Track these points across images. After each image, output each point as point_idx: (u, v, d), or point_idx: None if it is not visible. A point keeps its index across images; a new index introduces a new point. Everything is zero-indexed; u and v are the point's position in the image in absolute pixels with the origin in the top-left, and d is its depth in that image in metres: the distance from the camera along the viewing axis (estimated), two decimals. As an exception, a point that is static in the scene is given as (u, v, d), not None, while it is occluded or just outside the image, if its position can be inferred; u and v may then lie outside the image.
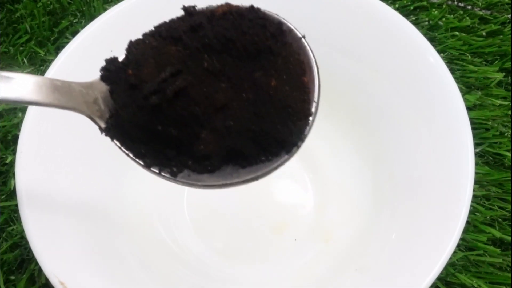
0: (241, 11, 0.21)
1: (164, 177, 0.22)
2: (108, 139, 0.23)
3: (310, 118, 0.22)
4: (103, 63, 0.23)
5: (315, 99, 0.22)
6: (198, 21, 0.20)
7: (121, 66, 0.21)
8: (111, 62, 0.22)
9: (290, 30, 0.22)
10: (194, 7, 0.22)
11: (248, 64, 0.20)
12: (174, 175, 0.21)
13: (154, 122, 0.20)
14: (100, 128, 0.22)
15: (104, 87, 0.22)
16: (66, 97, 0.21)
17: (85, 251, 0.29)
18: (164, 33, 0.21)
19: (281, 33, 0.21)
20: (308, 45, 0.23)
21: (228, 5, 0.21)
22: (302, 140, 0.21)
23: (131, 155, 0.22)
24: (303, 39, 0.23)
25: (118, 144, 0.22)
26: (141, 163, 0.22)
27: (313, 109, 0.22)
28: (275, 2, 0.34)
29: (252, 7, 0.21)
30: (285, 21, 0.22)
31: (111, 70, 0.22)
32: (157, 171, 0.22)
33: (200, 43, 0.20)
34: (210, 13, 0.21)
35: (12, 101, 0.20)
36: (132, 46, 0.22)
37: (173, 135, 0.20)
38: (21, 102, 0.20)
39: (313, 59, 0.22)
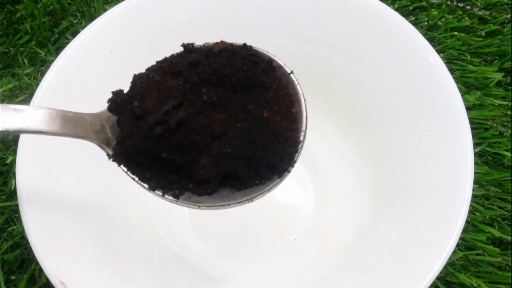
0: (235, 49, 0.23)
1: (167, 199, 0.24)
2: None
3: (299, 145, 0.24)
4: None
5: (303, 128, 0.24)
6: (197, 57, 0.23)
7: (126, 98, 0.23)
8: (117, 94, 0.24)
9: (280, 66, 0.24)
10: (192, 44, 0.24)
11: (242, 97, 0.23)
12: (176, 197, 0.23)
13: (158, 150, 0.22)
14: (107, 154, 0.24)
15: (111, 116, 0.24)
16: (78, 127, 0.23)
17: (85, 251, 0.29)
18: (166, 68, 0.23)
19: (272, 69, 0.24)
20: (296, 79, 0.25)
21: (223, 43, 0.24)
22: (292, 166, 0.24)
23: (136, 179, 0.24)
24: (291, 74, 0.25)
25: (125, 169, 0.24)
26: (146, 186, 0.24)
27: (301, 137, 0.24)
28: (275, 3, 0.35)
29: (245, 45, 0.24)
30: (275, 58, 0.24)
31: (117, 102, 0.24)
32: (160, 194, 0.24)
33: (199, 78, 0.22)
34: (207, 50, 0.23)
35: (26, 132, 0.22)
36: (137, 80, 0.24)
37: (175, 161, 0.22)
38: (35, 133, 0.22)
39: (300, 92, 0.25)
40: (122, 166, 0.24)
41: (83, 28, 0.33)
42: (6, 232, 0.38)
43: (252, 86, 0.23)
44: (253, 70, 0.23)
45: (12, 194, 0.39)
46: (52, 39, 0.46)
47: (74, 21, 0.46)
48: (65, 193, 0.30)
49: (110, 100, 0.24)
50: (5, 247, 0.37)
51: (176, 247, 0.37)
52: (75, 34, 0.35)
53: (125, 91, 0.24)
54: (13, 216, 0.38)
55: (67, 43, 0.32)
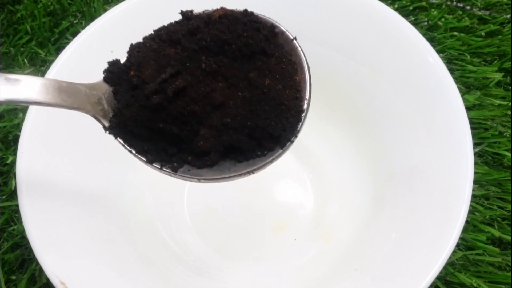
0: (235, 14, 0.22)
1: (165, 172, 0.23)
2: (109, 140, 0.24)
3: (303, 114, 0.23)
4: (105, 65, 0.24)
5: (307, 96, 0.23)
6: (196, 24, 0.22)
7: (123, 68, 0.22)
8: (114, 64, 0.23)
9: (282, 32, 0.24)
10: (191, 11, 0.23)
11: (243, 64, 0.21)
12: (175, 170, 0.22)
13: (156, 121, 0.21)
14: (104, 126, 0.23)
15: (107, 87, 0.23)
16: (72, 97, 0.22)
17: (85, 251, 0.29)
18: (163, 36, 0.22)
19: (274, 35, 0.23)
20: (300, 46, 0.24)
21: (223, 9, 0.23)
22: (295, 135, 0.23)
23: (134, 152, 0.23)
24: (294, 40, 0.24)
25: (122, 141, 0.23)
26: (144, 159, 0.23)
27: (305, 106, 0.23)
28: (276, 3, 0.35)
29: (246, 11, 0.23)
30: (277, 24, 0.23)
31: (114, 72, 0.23)
32: (158, 167, 0.23)
33: (198, 45, 0.21)
34: (207, 17, 0.22)
35: (20, 102, 0.21)
36: (133, 49, 0.23)
37: (174, 132, 0.21)
38: (28, 103, 0.21)
39: (304, 59, 0.24)
40: (118, 138, 0.23)
41: (83, 28, 0.33)
42: (6, 232, 0.38)
43: (254, 54, 0.22)
44: (254, 37, 0.22)
45: (12, 194, 0.39)
46: (52, 39, 0.46)
47: (74, 21, 0.47)
48: (65, 194, 0.31)
49: (106, 71, 0.23)
50: (6, 247, 0.37)
51: (176, 247, 0.37)
52: (75, 34, 0.35)
53: (122, 61, 0.23)
54: (13, 216, 0.38)
55: (67, 43, 0.32)
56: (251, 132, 0.22)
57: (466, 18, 0.48)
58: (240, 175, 0.23)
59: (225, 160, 0.23)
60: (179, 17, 0.24)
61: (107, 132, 0.23)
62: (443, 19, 0.48)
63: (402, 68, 0.33)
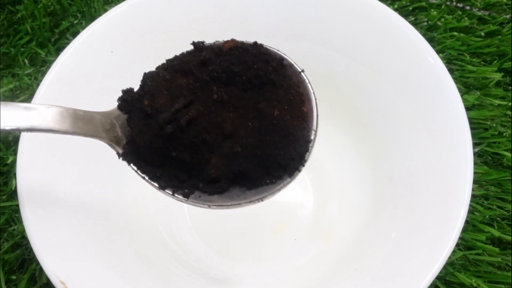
0: (245, 46, 0.23)
1: (177, 198, 0.23)
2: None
3: (310, 145, 0.23)
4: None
5: (314, 127, 0.24)
6: (207, 56, 0.23)
7: (136, 96, 0.23)
8: (128, 93, 0.23)
9: (291, 65, 0.24)
10: (202, 42, 0.24)
11: (253, 95, 0.22)
12: (186, 197, 0.23)
13: (168, 149, 0.22)
14: (118, 153, 0.24)
15: (121, 115, 0.24)
16: (88, 125, 0.23)
17: (86, 251, 0.29)
18: (176, 67, 0.23)
19: (283, 67, 0.23)
20: (307, 78, 0.24)
21: (234, 41, 0.23)
22: (303, 165, 0.23)
23: (146, 178, 0.23)
24: (302, 73, 0.24)
25: (135, 168, 0.24)
26: (156, 185, 0.23)
27: (312, 137, 0.24)
28: (276, 3, 0.35)
29: (255, 43, 0.23)
30: (286, 56, 0.24)
31: (127, 100, 0.23)
32: (170, 193, 0.23)
33: (209, 76, 0.22)
34: (218, 49, 0.23)
35: (38, 131, 0.22)
36: (147, 78, 0.23)
37: (186, 160, 0.22)
38: (46, 131, 0.22)
39: (311, 91, 0.24)
40: (132, 165, 0.23)
41: (83, 28, 0.33)
42: (6, 232, 0.38)
43: (263, 85, 0.22)
44: (264, 69, 0.22)
45: (13, 194, 0.39)
46: (53, 39, 0.46)
47: (75, 22, 0.47)
48: (66, 194, 0.31)
49: (120, 99, 0.23)
50: (6, 247, 0.37)
51: (176, 247, 0.37)
52: (75, 34, 0.35)
53: (135, 89, 0.24)
54: (14, 216, 0.38)
55: (68, 43, 0.32)
56: (261, 161, 0.22)
57: (466, 18, 0.48)
58: (250, 202, 0.23)
59: (235, 187, 0.23)
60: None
61: (121, 158, 0.24)
62: (442, 19, 0.48)
63: (402, 68, 0.33)
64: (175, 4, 0.34)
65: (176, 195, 0.23)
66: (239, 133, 0.22)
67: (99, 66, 0.33)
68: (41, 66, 0.45)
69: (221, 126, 0.22)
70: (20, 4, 0.47)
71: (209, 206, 0.23)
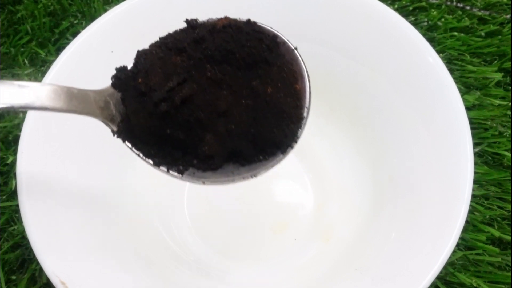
0: (239, 24, 0.23)
1: (171, 175, 0.23)
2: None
3: (303, 122, 0.24)
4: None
5: (307, 104, 0.24)
6: (201, 33, 0.22)
7: (130, 74, 0.23)
8: (121, 71, 0.23)
9: (284, 42, 0.24)
10: (196, 20, 0.24)
11: (246, 73, 0.22)
12: (180, 173, 0.23)
13: (163, 126, 0.22)
14: (112, 131, 0.24)
15: (114, 93, 0.24)
16: (82, 104, 0.23)
17: (86, 251, 0.29)
18: (169, 45, 0.23)
19: (276, 45, 0.23)
20: (300, 56, 0.25)
21: (227, 18, 0.23)
22: (295, 141, 0.24)
23: (141, 155, 0.24)
24: (295, 50, 0.25)
25: (129, 145, 0.24)
26: (151, 162, 0.23)
27: (305, 114, 0.24)
28: (276, 3, 0.35)
29: (249, 20, 0.23)
30: (279, 34, 0.24)
31: (121, 78, 0.23)
32: (165, 170, 0.23)
33: (203, 54, 0.22)
34: (211, 26, 0.23)
35: (32, 108, 0.22)
36: (140, 56, 0.23)
37: (180, 138, 0.22)
38: (40, 109, 0.22)
39: (304, 68, 0.24)
40: (126, 142, 0.24)
41: (83, 28, 0.33)
42: (6, 232, 0.38)
43: (256, 63, 0.22)
44: (257, 47, 0.22)
45: (13, 194, 0.39)
46: (53, 39, 0.46)
47: (75, 22, 0.47)
48: (66, 193, 0.31)
49: (113, 77, 0.24)
50: (6, 247, 0.37)
51: (176, 247, 0.37)
52: (75, 34, 0.35)
53: (129, 67, 0.24)
54: (14, 216, 0.38)
55: (68, 43, 0.32)
56: (254, 138, 0.23)
57: (466, 18, 0.48)
58: (243, 178, 0.24)
59: (229, 164, 0.23)
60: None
61: (115, 136, 0.24)
62: (443, 19, 0.48)
63: (402, 68, 0.33)
64: (175, 4, 0.34)
65: (171, 171, 0.23)
66: (233, 111, 0.22)
67: (99, 66, 0.33)
68: (41, 66, 0.45)
69: (215, 104, 0.22)
70: (20, 4, 0.47)
71: (203, 182, 0.23)
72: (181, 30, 0.24)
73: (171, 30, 0.24)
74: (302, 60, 0.24)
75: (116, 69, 0.24)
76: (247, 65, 0.22)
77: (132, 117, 0.23)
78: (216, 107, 0.22)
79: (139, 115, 0.22)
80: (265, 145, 0.23)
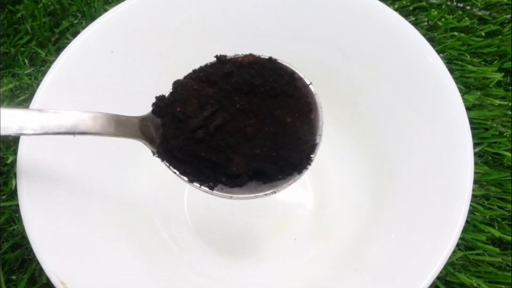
0: (262, 61, 0.27)
1: (203, 190, 0.27)
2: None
3: (316, 147, 0.27)
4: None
5: (320, 132, 0.27)
6: (230, 69, 0.26)
7: (168, 102, 0.26)
8: (160, 100, 0.27)
9: (300, 78, 0.27)
10: (225, 56, 0.27)
11: (269, 104, 0.26)
12: (211, 189, 0.27)
13: (198, 149, 0.26)
14: (152, 151, 0.27)
15: (154, 118, 0.27)
16: (129, 129, 0.27)
17: (86, 251, 0.29)
18: (203, 78, 0.26)
19: (294, 80, 0.27)
20: (314, 89, 0.28)
21: (252, 56, 0.27)
22: (310, 164, 0.27)
23: (177, 173, 0.27)
24: (310, 85, 0.28)
25: (167, 164, 0.27)
26: (186, 179, 0.27)
27: (317, 140, 0.27)
28: (275, 3, 0.35)
29: (270, 58, 0.27)
30: (296, 71, 0.27)
31: (160, 106, 0.27)
32: (198, 186, 0.27)
33: (232, 87, 0.26)
34: (238, 62, 0.27)
35: (91, 135, 0.25)
36: (177, 87, 0.27)
37: (212, 159, 0.26)
38: (97, 135, 0.25)
39: (317, 101, 0.27)
40: (165, 161, 0.27)
41: (83, 28, 0.33)
42: (6, 232, 0.38)
43: (277, 95, 0.26)
44: (278, 81, 0.26)
45: (13, 194, 0.39)
46: (53, 39, 0.46)
47: (75, 22, 0.47)
48: (66, 193, 0.31)
49: (154, 105, 0.27)
50: (6, 247, 0.37)
51: (176, 247, 0.37)
52: (75, 34, 0.35)
53: (166, 95, 0.27)
54: (14, 216, 0.38)
55: (68, 43, 0.32)
56: (275, 161, 0.26)
57: (466, 18, 0.48)
58: (265, 194, 0.27)
59: (252, 181, 0.27)
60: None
61: (155, 156, 0.27)
62: (443, 19, 0.48)
63: (402, 68, 0.33)
64: (175, 4, 0.34)
65: (202, 187, 0.27)
66: (258, 137, 0.26)
67: (99, 66, 0.33)
68: (41, 66, 0.45)
69: (243, 131, 0.26)
70: (20, 3, 0.47)
71: (231, 197, 0.27)
72: (212, 64, 0.27)
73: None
74: (316, 94, 0.28)
75: (156, 97, 0.27)
76: (270, 97, 0.26)
77: (171, 140, 0.26)
78: (244, 134, 0.26)
79: (177, 139, 0.26)
80: (284, 166, 0.26)
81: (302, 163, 0.27)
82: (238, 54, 0.27)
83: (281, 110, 0.26)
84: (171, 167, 0.27)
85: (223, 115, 0.26)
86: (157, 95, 0.27)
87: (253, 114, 0.26)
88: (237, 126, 0.26)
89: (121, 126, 0.26)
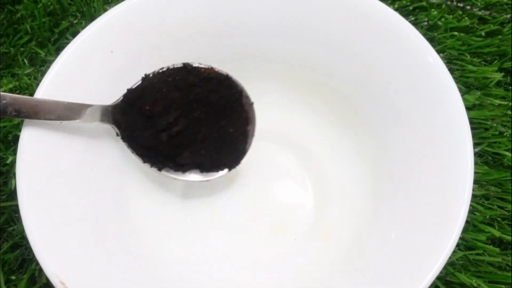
0: (220, 78, 0.33)
1: (152, 170, 0.34)
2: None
3: (246, 153, 0.35)
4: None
5: (251, 142, 0.35)
6: (194, 80, 0.32)
7: (137, 97, 0.32)
8: (131, 92, 0.32)
9: (247, 96, 0.34)
10: (191, 65, 0.33)
11: (218, 115, 0.33)
12: (159, 170, 0.34)
13: (158, 144, 0.32)
14: (117, 133, 0.33)
15: (123, 107, 0.32)
16: (103, 116, 0.32)
17: (85, 251, 0.29)
18: (171, 82, 0.32)
19: (241, 97, 0.34)
20: (254, 108, 0.35)
21: (213, 70, 0.33)
22: (239, 164, 0.35)
23: (135, 154, 0.33)
24: (252, 104, 0.34)
25: (127, 145, 0.33)
26: (141, 160, 0.33)
27: (248, 148, 0.35)
28: (275, 3, 0.35)
29: (227, 76, 0.33)
30: (244, 89, 0.34)
31: (130, 98, 0.32)
32: (149, 166, 0.34)
33: (194, 97, 0.32)
34: (202, 75, 0.33)
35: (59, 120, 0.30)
36: (147, 85, 0.32)
37: (167, 152, 0.33)
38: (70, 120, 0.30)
39: (255, 116, 0.35)
40: (126, 143, 0.33)
41: (83, 28, 0.33)
42: (6, 232, 0.38)
43: (226, 108, 0.33)
44: (229, 98, 0.33)
45: (12, 194, 0.39)
46: (52, 39, 0.46)
47: (74, 21, 0.47)
48: (66, 193, 0.31)
49: (125, 96, 0.32)
50: (5, 247, 0.37)
51: (176, 248, 0.37)
52: (75, 34, 0.35)
53: (133, 86, 0.32)
54: (13, 216, 0.38)
55: (67, 43, 0.32)
56: (215, 160, 0.34)
57: (466, 18, 0.48)
58: (200, 181, 0.35)
59: (192, 170, 0.34)
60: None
61: (121, 139, 0.33)
62: (443, 19, 0.48)
63: (402, 68, 0.33)
64: (175, 4, 0.34)
65: (152, 167, 0.34)
66: (206, 140, 0.33)
67: (99, 66, 0.33)
68: (41, 66, 0.45)
69: (196, 136, 0.33)
70: (20, 3, 0.47)
71: (175, 179, 0.34)
72: (178, 69, 0.33)
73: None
74: (254, 110, 0.35)
75: (128, 90, 0.32)
76: (220, 109, 0.33)
77: (136, 132, 0.32)
78: (196, 138, 0.33)
79: (141, 131, 0.32)
80: (220, 164, 0.34)
81: (233, 164, 0.35)
82: (201, 64, 0.33)
83: (226, 121, 0.33)
84: (130, 148, 0.33)
85: (183, 121, 0.32)
86: (128, 87, 0.32)
87: (206, 122, 0.33)
88: (192, 131, 0.33)
89: (94, 113, 0.31)
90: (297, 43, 0.36)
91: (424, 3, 0.48)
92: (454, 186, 0.29)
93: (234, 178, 0.39)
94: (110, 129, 0.33)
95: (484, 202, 0.40)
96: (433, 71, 0.32)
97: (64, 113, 0.29)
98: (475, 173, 0.30)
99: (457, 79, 0.44)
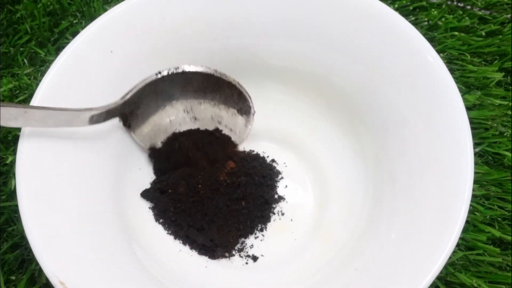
0: (242, 182, 0.38)
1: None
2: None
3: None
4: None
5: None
6: (217, 186, 0.38)
7: (164, 186, 0.37)
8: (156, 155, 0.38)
9: (269, 185, 0.40)
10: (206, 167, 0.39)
11: (236, 202, 0.38)
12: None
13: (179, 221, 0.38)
14: (126, 127, 0.36)
15: (132, 105, 0.35)
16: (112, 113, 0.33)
17: (85, 251, 0.29)
18: (194, 183, 0.37)
19: (260, 186, 0.39)
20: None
21: (232, 165, 0.39)
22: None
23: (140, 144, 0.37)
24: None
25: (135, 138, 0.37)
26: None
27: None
28: (275, 3, 0.35)
29: (247, 179, 0.38)
30: (266, 174, 0.40)
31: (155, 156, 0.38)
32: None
33: (217, 194, 0.38)
34: (224, 172, 0.38)
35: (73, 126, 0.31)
36: (177, 175, 0.38)
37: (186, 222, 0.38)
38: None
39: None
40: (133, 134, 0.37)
41: (83, 28, 0.33)
42: (6, 232, 0.38)
43: (245, 197, 0.38)
44: (250, 195, 0.38)
45: (12, 194, 0.39)
46: (52, 39, 0.46)
47: (74, 21, 0.46)
48: (65, 193, 0.30)
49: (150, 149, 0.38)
50: (5, 247, 0.37)
51: (176, 247, 0.37)
52: (75, 34, 0.35)
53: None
54: (13, 216, 0.38)
55: (67, 43, 0.32)
56: (224, 228, 0.38)
57: (467, 18, 0.48)
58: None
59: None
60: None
61: (124, 127, 0.36)
62: (443, 19, 0.48)
63: (402, 68, 0.33)
64: (175, 4, 0.34)
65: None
66: (219, 215, 0.37)
67: (98, 66, 0.33)
68: (41, 66, 0.45)
69: (214, 216, 0.37)
70: (20, 3, 0.47)
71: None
72: (200, 169, 0.38)
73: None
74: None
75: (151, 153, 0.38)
76: (238, 199, 0.38)
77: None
78: (214, 216, 0.37)
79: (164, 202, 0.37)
80: (232, 235, 0.38)
81: (242, 233, 0.38)
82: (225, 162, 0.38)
83: (242, 201, 0.38)
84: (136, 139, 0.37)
85: (208, 213, 0.37)
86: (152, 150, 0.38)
87: (223, 206, 0.37)
88: (211, 211, 0.37)
89: (99, 117, 0.32)
90: (297, 43, 0.36)
91: (424, 3, 0.48)
92: (454, 186, 0.29)
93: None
94: (110, 129, 0.33)
95: (484, 202, 0.40)
96: (433, 71, 0.32)
97: (66, 120, 0.30)
98: (475, 173, 0.30)
99: (457, 79, 0.44)
